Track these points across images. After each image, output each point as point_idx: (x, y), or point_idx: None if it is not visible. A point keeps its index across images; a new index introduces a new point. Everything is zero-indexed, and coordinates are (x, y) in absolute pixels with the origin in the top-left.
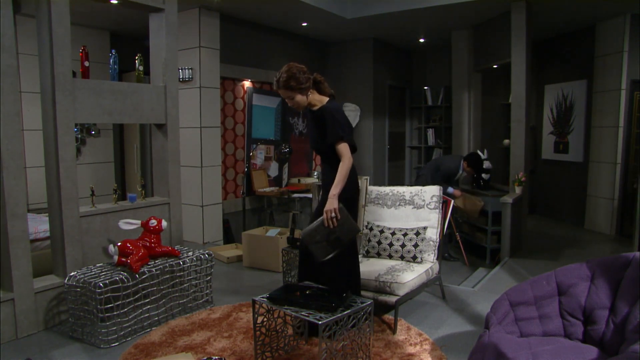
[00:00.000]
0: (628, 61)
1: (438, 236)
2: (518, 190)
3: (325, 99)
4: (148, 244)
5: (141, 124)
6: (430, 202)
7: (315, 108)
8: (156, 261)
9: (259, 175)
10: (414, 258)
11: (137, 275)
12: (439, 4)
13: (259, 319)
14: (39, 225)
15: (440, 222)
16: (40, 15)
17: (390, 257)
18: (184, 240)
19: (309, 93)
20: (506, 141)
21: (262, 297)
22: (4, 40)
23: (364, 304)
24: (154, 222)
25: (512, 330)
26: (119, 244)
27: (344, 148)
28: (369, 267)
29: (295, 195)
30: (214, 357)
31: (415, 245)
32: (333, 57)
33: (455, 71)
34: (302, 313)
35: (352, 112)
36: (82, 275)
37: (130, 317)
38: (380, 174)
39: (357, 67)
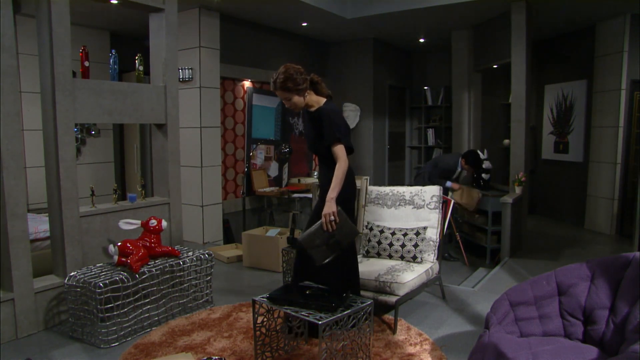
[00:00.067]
0: (628, 61)
1: (438, 236)
2: (518, 190)
3: (323, 100)
4: (148, 244)
5: (141, 124)
6: (430, 202)
7: (313, 109)
8: (156, 261)
9: (259, 175)
10: (414, 258)
11: (137, 275)
12: (439, 4)
13: (259, 319)
14: (39, 225)
15: (440, 222)
16: (40, 15)
17: (390, 257)
18: (184, 240)
19: (306, 94)
20: (506, 141)
21: (262, 297)
22: (4, 40)
23: (364, 304)
24: (154, 222)
25: (512, 330)
26: (119, 244)
27: (339, 150)
28: (369, 267)
29: (295, 195)
30: (214, 357)
31: (415, 245)
32: (333, 57)
33: (455, 71)
34: (302, 313)
35: (352, 112)
36: (82, 275)
37: (130, 317)
38: (380, 174)
39: (357, 67)
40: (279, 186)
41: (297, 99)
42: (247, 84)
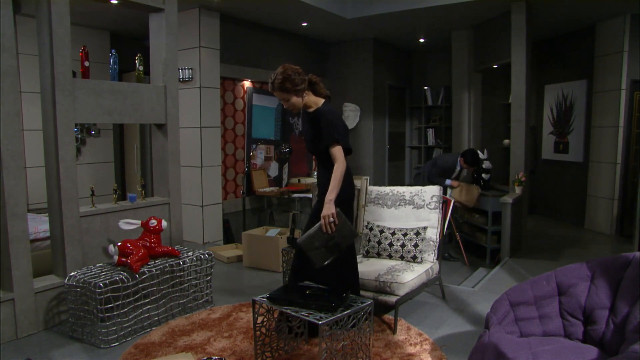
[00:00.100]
0: (628, 61)
1: (438, 236)
2: (518, 190)
3: (321, 101)
4: (148, 244)
5: (141, 124)
6: (430, 202)
7: (311, 110)
8: (156, 261)
9: (259, 175)
10: (414, 258)
11: (137, 275)
12: (439, 4)
13: (259, 319)
14: (39, 225)
15: (440, 222)
16: (40, 15)
17: (390, 257)
18: (184, 240)
19: (305, 94)
20: (506, 141)
21: (262, 297)
22: (4, 40)
23: (364, 304)
24: (154, 222)
25: (512, 330)
26: (119, 244)
27: (337, 152)
28: (369, 267)
29: (295, 195)
30: (214, 357)
31: (415, 245)
32: (333, 57)
33: (455, 71)
34: (302, 313)
35: (352, 112)
36: (82, 275)
37: (130, 317)
38: (380, 174)
39: (357, 67)
40: (279, 186)
41: (295, 99)
42: (247, 84)
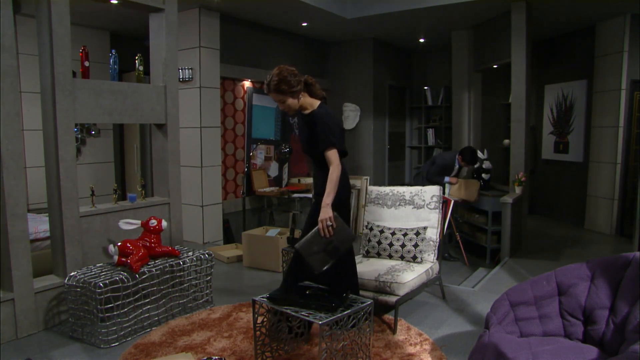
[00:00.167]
0: (628, 61)
1: (438, 236)
2: (518, 190)
3: (317, 103)
4: (148, 244)
5: (141, 124)
6: (430, 202)
7: (307, 112)
8: (156, 261)
9: (259, 175)
10: (414, 258)
11: (137, 275)
12: (439, 4)
13: (259, 319)
14: (39, 225)
15: (440, 222)
16: (40, 15)
17: (390, 257)
18: (184, 240)
19: (301, 96)
20: (506, 141)
21: (262, 297)
22: (4, 40)
23: (364, 304)
24: (154, 222)
25: (512, 330)
26: (119, 244)
27: (332, 155)
28: (369, 267)
29: (295, 195)
30: (214, 357)
31: (415, 245)
32: (333, 57)
33: (455, 71)
34: (302, 313)
35: (352, 112)
36: (82, 275)
37: (130, 317)
38: (380, 174)
39: (357, 67)
40: (279, 186)
41: (291, 101)
42: (247, 84)
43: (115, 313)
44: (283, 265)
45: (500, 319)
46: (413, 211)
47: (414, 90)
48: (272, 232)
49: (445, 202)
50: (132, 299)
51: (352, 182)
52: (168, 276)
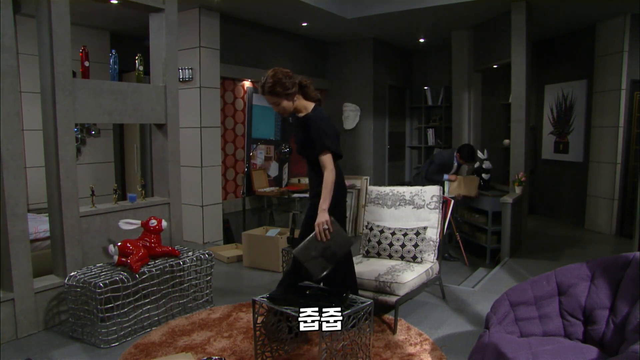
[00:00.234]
0: (628, 61)
1: (438, 236)
2: (518, 190)
3: (311, 105)
4: (148, 244)
5: (141, 124)
6: (430, 202)
7: (301, 115)
8: (156, 261)
9: (259, 175)
10: (414, 258)
11: (137, 275)
12: (439, 4)
13: (259, 319)
14: (39, 225)
15: (440, 222)
16: (40, 15)
17: (390, 257)
18: (184, 240)
19: (295, 98)
20: (506, 141)
21: (262, 297)
22: (4, 40)
23: (364, 304)
24: (154, 222)
25: (512, 330)
26: (119, 244)
27: (327, 160)
28: (369, 267)
29: (295, 195)
30: (214, 357)
31: (415, 245)
32: (333, 57)
33: (455, 71)
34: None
35: (352, 112)
36: (82, 275)
37: (130, 317)
38: (380, 174)
39: (357, 67)
40: (279, 186)
41: (286, 103)
42: (247, 84)
43: (115, 313)
44: (283, 265)
45: (500, 319)
46: (413, 211)
47: (414, 90)
48: (272, 232)
49: (445, 202)
50: (132, 299)
51: (352, 182)
52: (168, 276)
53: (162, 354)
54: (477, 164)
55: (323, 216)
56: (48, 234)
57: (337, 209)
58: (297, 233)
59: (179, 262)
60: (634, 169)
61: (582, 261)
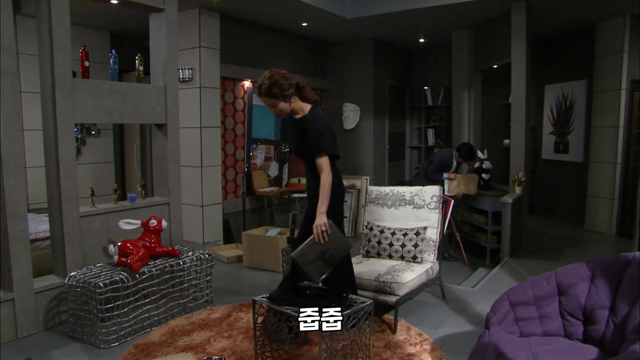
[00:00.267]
0: (628, 61)
1: (438, 236)
2: (518, 190)
3: (307, 107)
4: (148, 244)
5: (141, 124)
6: (430, 202)
7: (298, 116)
8: (156, 261)
9: (259, 175)
10: (414, 258)
11: (137, 275)
12: (439, 4)
13: (259, 319)
14: (39, 225)
15: (440, 222)
16: (40, 15)
17: (390, 257)
18: (184, 240)
19: (292, 100)
20: (506, 141)
21: (262, 297)
22: (4, 40)
23: (364, 304)
24: (154, 222)
25: (512, 330)
26: (119, 244)
27: (324, 163)
28: (369, 267)
29: (295, 195)
30: (214, 357)
31: (415, 245)
32: (333, 57)
33: (455, 71)
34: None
35: (352, 112)
36: (82, 275)
37: (130, 317)
38: (380, 174)
39: (357, 67)
40: (279, 186)
41: (283, 105)
42: (247, 84)
43: (115, 313)
44: (283, 265)
45: (500, 319)
46: (413, 211)
47: (414, 90)
48: (272, 232)
49: (445, 202)
50: (132, 299)
51: (352, 182)
52: (168, 276)
53: (162, 354)
54: (477, 164)
55: (321, 219)
56: (48, 234)
57: (335, 211)
58: (297, 233)
59: (179, 262)
60: (634, 169)
61: (582, 261)
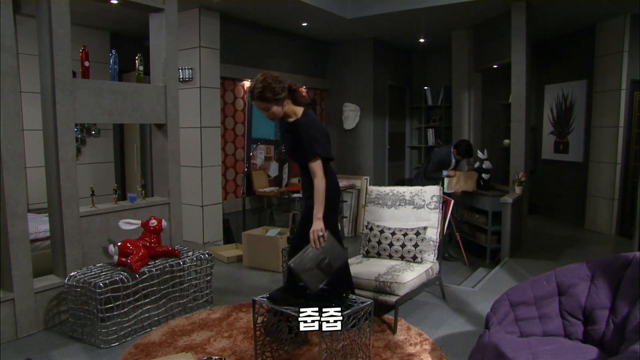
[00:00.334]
0: (628, 61)
1: (438, 236)
2: (518, 190)
3: (300, 110)
4: (148, 244)
5: (141, 124)
6: (430, 202)
7: (291, 120)
8: (156, 261)
9: (259, 175)
10: (414, 258)
11: (137, 275)
12: (439, 4)
13: (259, 319)
14: (39, 225)
15: (440, 222)
16: (40, 15)
17: (390, 257)
18: (184, 240)
19: (285, 103)
20: (506, 141)
21: (262, 297)
22: (4, 40)
23: (364, 304)
24: (154, 222)
25: (512, 330)
26: (119, 244)
27: (317, 167)
28: (369, 267)
29: (295, 195)
30: (214, 357)
31: (415, 245)
32: (333, 57)
33: (455, 71)
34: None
35: (352, 112)
36: (82, 275)
37: (130, 317)
38: (380, 174)
39: (357, 67)
40: (279, 186)
41: (275, 108)
42: (247, 84)
43: (115, 313)
44: (283, 265)
45: (500, 319)
46: (413, 211)
47: (414, 90)
48: (272, 232)
49: (445, 202)
50: (132, 299)
51: (352, 182)
52: (168, 276)
53: (162, 354)
54: (477, 164)
55: (318, 224)
56: (48, 234)
57: (330, 218)
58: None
59: (179, 262)
60: (634, 169)
61: (582, 261)
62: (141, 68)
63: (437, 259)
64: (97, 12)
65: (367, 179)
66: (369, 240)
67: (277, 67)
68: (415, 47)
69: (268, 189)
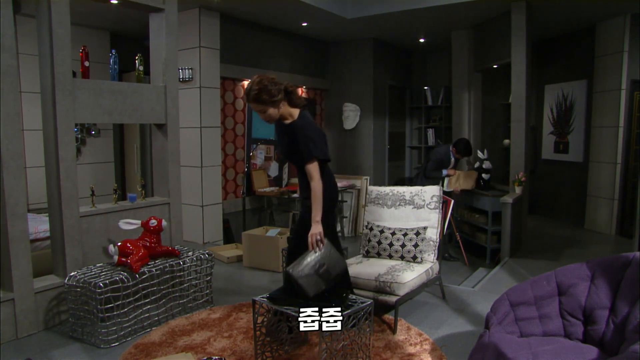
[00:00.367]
0: (628, 61)
1: (438, 236)
2: (518, 190)
3: (296, 112)
4: (148, 244)
5: (141, 124)
6: (430, 202)
7: (287, 122)
8: (156, 261)
9: (259, 175)
10: (414, 258)
11: (137, 275)
12: (439, 4)
13: (259, 319)
14: (39, 225)
15: (440, 222)
16: (40, 15)
17: (390, 257)
18: (184, 240)
19: (281, 105)
20: (506, 141)
21: (262, 297)
22: (4, 40)
23: (364, 304)
24: (154, 222)
25: (512, 330)
26: (119, 244)
27: (313, 169)
28: (369, 267)
29: (295, 195)
30: (214, 357)
31: (415, 245)
32: (333, 57)
33: (455, 71)
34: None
35: (352, 112)
36: (82, 275)
37: (130, 317)
38: (380, 173)
39: (357, 67)
40: (279, 186)
41: (272, 110)
42: (247, 84)
43: (115, 313)
44: (283, 265)
45: (500, 319)
46: (413, 211)
47: (414, 90)
48: (272, 232)
49: (445, 202)
50: (132, 299)
51: (352, 182)
52: (168, 276)
53: (162, 354)
54: (477, 164)
55: (316, 228)
56: (48, 234)
57: (327, 218)
58: None
59: (179, 262)
60: (634, 169)
61: (582, 261)
62: (141, 68)
63: (437, 259)
64: (97, 12)
65: (367, 179)
66: (369, 240)
67: (277, 67)
68: (415, 47)
69: (268, 189)
